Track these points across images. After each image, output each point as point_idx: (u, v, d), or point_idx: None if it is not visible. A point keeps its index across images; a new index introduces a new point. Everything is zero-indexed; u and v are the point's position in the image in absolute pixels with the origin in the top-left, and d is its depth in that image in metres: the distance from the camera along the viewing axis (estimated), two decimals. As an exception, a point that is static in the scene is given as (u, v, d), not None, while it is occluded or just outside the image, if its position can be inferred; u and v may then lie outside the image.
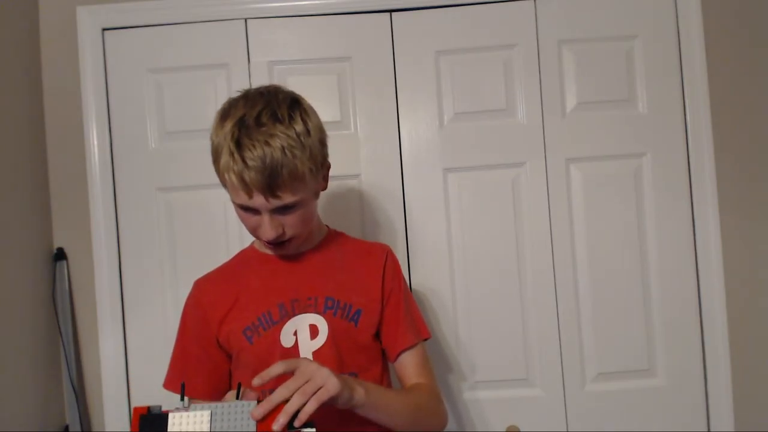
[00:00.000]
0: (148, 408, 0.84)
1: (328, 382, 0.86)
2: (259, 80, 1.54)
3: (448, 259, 1.60)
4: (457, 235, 1.60)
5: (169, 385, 1.14)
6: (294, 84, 1.58)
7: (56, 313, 1.57)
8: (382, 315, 1.13)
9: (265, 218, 1.01)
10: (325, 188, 1.11)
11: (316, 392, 0.84)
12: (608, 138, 1.60)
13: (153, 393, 1.58)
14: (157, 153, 1.62)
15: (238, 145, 0.96)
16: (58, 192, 1.62)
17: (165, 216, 1.61)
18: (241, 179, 0.96)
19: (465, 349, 1.59)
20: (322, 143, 1.05)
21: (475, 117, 1.60)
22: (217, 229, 1.61)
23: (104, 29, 1.61)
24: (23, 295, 1.48)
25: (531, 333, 1.59)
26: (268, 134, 0.96)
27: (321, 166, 1.05)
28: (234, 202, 1.03)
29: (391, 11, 1.61)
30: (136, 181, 1.61)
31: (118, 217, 1.61)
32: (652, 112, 1.60)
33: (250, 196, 0.97)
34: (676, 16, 1.60)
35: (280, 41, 1.61)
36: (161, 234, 1.61)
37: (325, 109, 1.58)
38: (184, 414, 0.83)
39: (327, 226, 1.23)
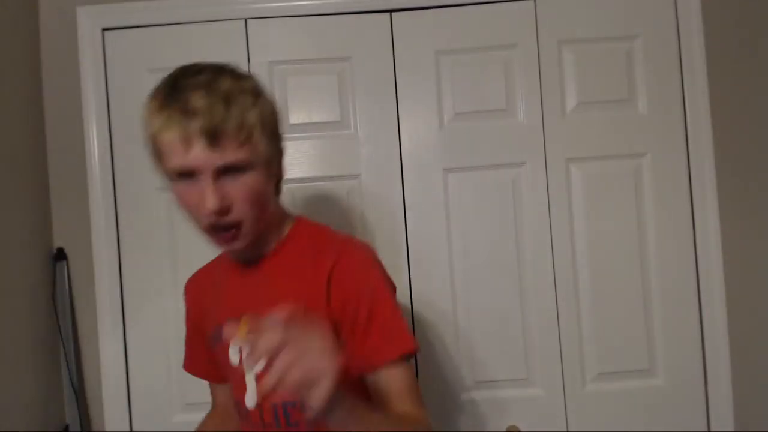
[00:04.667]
0: None
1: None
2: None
3: (448, 258, 1.60)
4: (457, 234, 1.60)
5: (185, 367, 1.21)
6: (294, 84, 1.60)
7: (56, 313, 1.56)
8: (340, 332, 0.92)
9: (208, 182, 0.83)
10: (281, 177, 0.98)
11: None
12: (608, 138, 1.59)
13: (153, 393, 1.59)
14: (157, 153, 1.62)
15: (174, 90, 0.83)
16: (58, 192, 1.62)
17: (165, 216, 1.61)
18: (179, 125, 0.81)
19: (465, 349, 1.59)
20: (275, 115, 0.92)
21: (475, 117, 1.60)
22: (217, 229, 1.61)
23: (104, 29, 1.61)
24: (23, 295, 1.47)
25: (531, 333, 1.59)
26: (212, 79, 0.84)
27: (272, 139, 0.91)
28: (170, 174, 0.86)
29: (391, 11, 1.61)
30: (136, 181, 1.61)
31: (118, 217, 1.61)
32: (652, 112, 1.59)
33: (189, 148, 0.81)
34: (676, 16, 1.59)
35: (280, 41, 1.61)
36: (161, 234, 1.61)
37: (325, 109, 1.61)
38: None
39: (294, 217, 1.05)
